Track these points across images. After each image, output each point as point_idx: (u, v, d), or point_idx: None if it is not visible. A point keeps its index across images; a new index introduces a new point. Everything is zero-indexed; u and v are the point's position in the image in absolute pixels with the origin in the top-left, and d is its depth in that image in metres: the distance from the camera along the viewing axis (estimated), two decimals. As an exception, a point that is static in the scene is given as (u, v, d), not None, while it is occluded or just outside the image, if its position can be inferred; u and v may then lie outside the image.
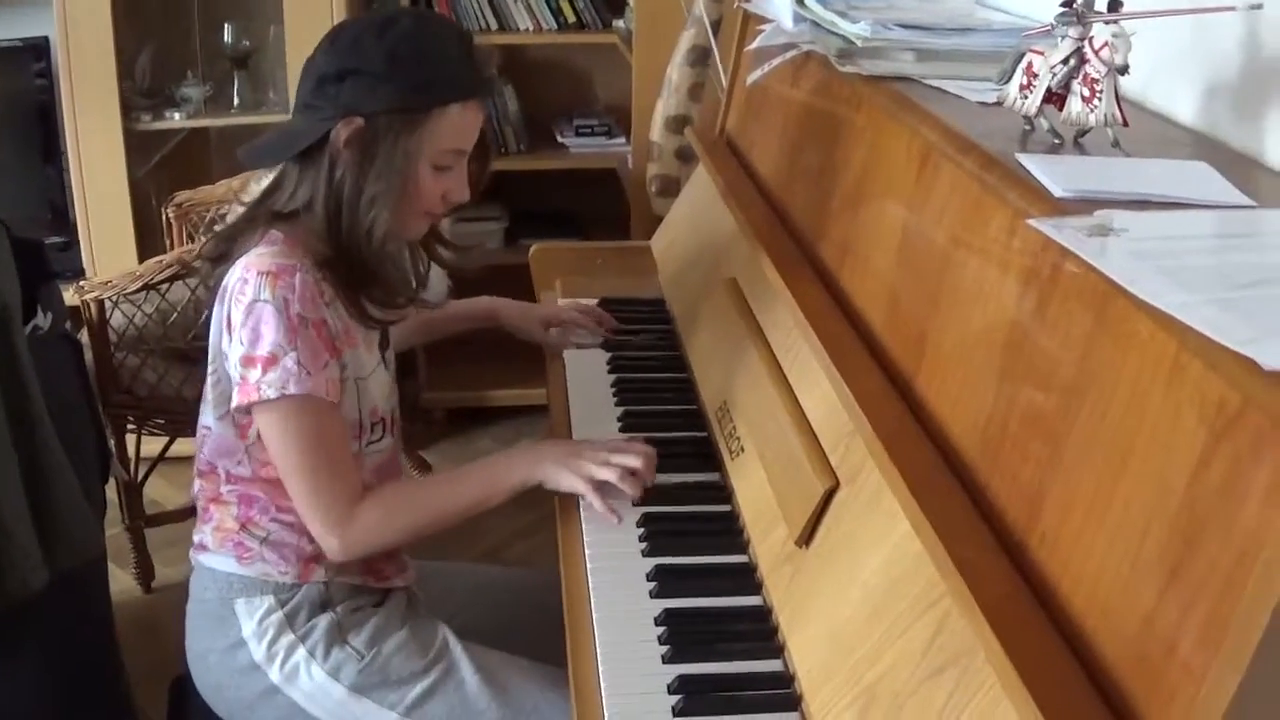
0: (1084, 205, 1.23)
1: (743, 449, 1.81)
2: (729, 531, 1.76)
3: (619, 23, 3.81)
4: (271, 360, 1.68)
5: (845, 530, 1.46)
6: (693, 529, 1.78)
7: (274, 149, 1.81)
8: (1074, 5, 1.42)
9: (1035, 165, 1.33)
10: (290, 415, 1.72)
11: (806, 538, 1.52)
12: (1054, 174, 1.29)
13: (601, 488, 1.78)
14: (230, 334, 1.72)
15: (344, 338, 1.77)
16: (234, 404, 1.73)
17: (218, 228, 1.89)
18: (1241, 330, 0.92)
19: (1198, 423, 0.96)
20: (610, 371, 2.28)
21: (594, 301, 2.53)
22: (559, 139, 4.05)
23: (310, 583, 1.84)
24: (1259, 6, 1.35)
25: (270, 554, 1.83)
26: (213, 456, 1.84)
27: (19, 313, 2.09)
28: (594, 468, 1.78)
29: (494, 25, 3.89)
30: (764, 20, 2.28)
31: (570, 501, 1.83)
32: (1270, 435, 0.88)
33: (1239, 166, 1.45)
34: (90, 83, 3.53)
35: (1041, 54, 1.46)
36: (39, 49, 3.81)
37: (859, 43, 1.89)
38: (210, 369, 1.80)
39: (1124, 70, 1.38)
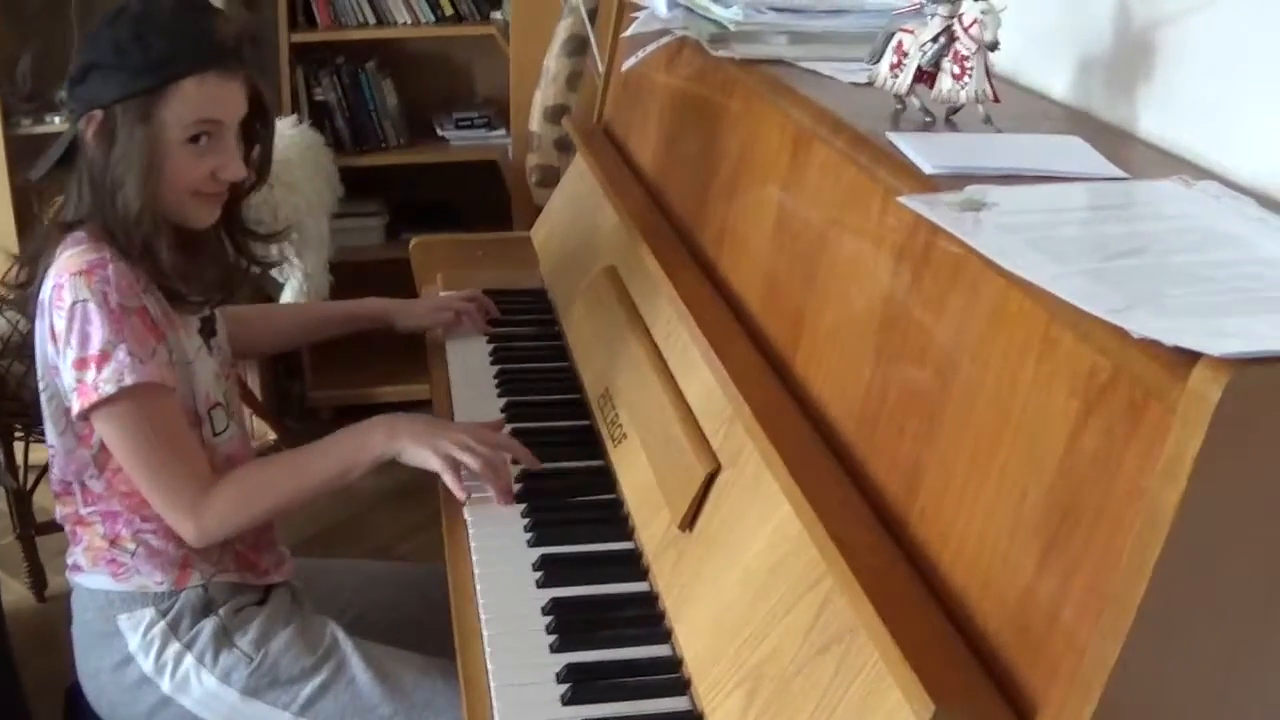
0: (955, 181, 1.22)
1: (625, 436, 1.80)
2: (614, 519, 1.74)
3: (497, 14, 3.79)
4: (104, 357, 1.64)
5: (727, 513, 1.45)
6: (577, 517, 1.77)
7: (43, 159, 1.78)
8: (941, -18, 1.43)
9: (905, 143, 1.33)
10: (129, 407, 1.68)
11: (689, 521, 1.51)
12: (924, 151, 1.30)
13: (458, 468, 1.75)
14: (57, 344, 1.68)
15: (164, 321, 1.73)
16: (75, 411, 1.68)
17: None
18: (1111, 299, 0.92)
19: (1070, 394, 0.97)
20: (493, 363, 2.26)
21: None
22: (439, 132, 4.01)
23: (188, 588, 1.80)
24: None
25: (143, 565, 1.78)
26: (65, 475, 1.79)
27: None
28: (453, 448, 1.76)
29: (371, 19, 3.86)
30: (639, 8, 2.27)
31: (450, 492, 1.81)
32: (1141, 403, 0.89)
33: (1111, 139, 1.46)
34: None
35: (911, 32, 1.47)
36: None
37: (732, 27, 1.88)
38: (42, 386, 1.76)
39: (994, 47, 1.39)
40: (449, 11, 3.87)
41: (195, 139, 1.72)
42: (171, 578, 1.79)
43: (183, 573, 1.80)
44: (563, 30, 3.05)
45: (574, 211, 2.52)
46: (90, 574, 1.81)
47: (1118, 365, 0.91)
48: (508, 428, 1.95)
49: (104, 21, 1.71)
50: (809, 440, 1.36)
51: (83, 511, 1.80)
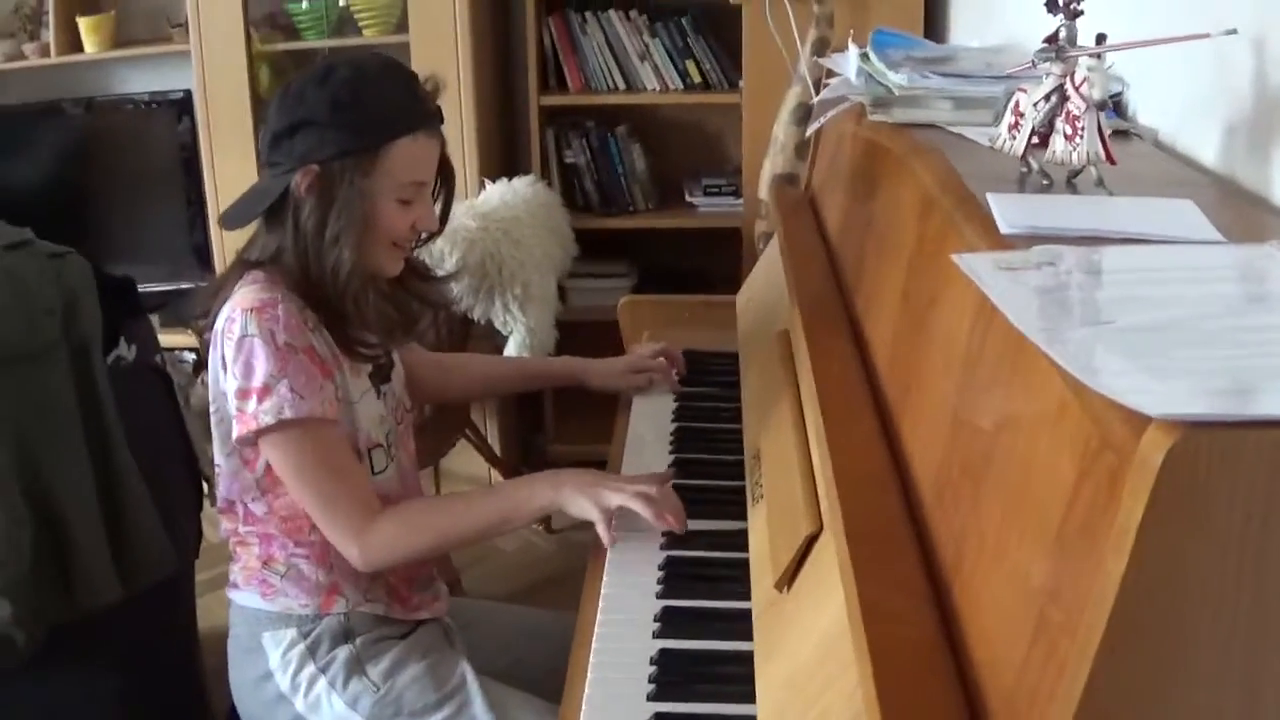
0: (1028, 241, 1.19)
1: (761, 496, 1.79)
2: (743, 578, 1.74)
3: (742, 83, 3.82)
4: (265, 390, 1.74)
5: (819, 575, 1.42)
6: (709, 574, 1.79)
7: (245, 209, 1.90)
8: (1055, 41, 1.39)
9: (996, 204, 1.29)
10: (292, 438, 1.78)
11: (788, 581, 1.49)
12: (1010, 212, 1.26)
13: (611, 519, 1.79)
14: (225, 372, 1.78)
15: (332, 361, 1.82)
16: (234, 436, 1.79)
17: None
18: (1114, 367, 0.88)
19: (1070, 461, 0.92)
20: (674, 420, 2.30)
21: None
22: (688, 197, 4.06)
23: (330, 614, 1.88)
24: (1233, 32, 1.30)
25: (291, 588, 1.88)
26: (229, 494, 1.91)
27: (99, 343, 2.22)
28: (610, 494, 1.80)
29: (621, 85, 3.95)
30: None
31: (601, 545, 1.85)
32: (1117, 471, 0.84)
33: (1241, 205, 1.40)
34: (228, 133, 3.70)
35: (1026, 92, 1.43)
36: (182, 102, 4.00)
37: (897, 92, 1.87)
38: (212, 409, 1.87)
39: (1103, 106, 1.34)
40: (697, 79, 3.93)
41: (404, 197, 1.83)
42: (316, 602, 1.87)
43: (328, 599, 1.88)
44: (791, 99, 3.06)
45: (768, 277, 2.52)
46: (243, 591, 1.91)
47: (1105, 433, 0.86)
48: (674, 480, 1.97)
49: (310, 81, 1.81)
50: (889, 510, 1.33)
51: (242, 530, 1.90)
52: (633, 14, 3.90)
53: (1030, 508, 0.99)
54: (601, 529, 1.79)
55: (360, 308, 1.84)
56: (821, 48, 2.92)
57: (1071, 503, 0.91)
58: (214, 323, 1.84)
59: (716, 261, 3.97)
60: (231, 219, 1.91)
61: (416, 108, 1.84)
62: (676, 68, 3.92)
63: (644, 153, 4.05)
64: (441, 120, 1.90)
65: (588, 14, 3.91)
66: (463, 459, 3.78)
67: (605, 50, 3.92)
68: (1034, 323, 0.96)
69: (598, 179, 4.03)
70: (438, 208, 1.97)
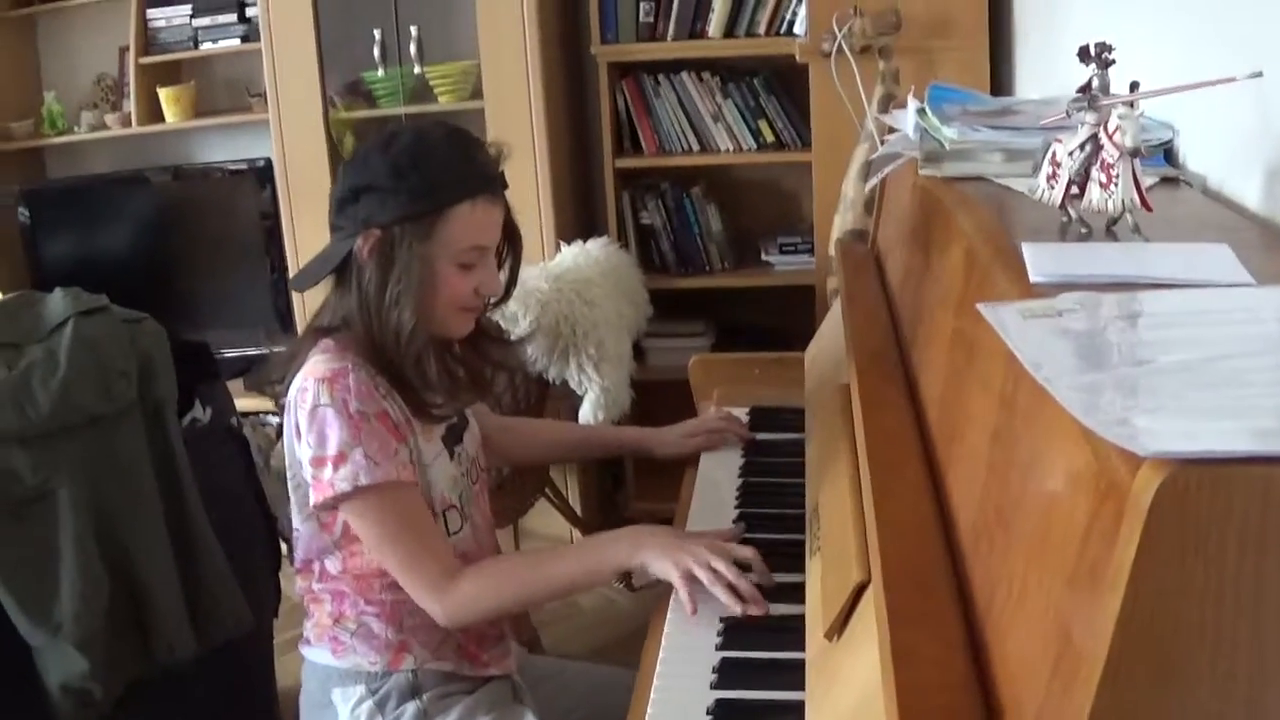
0: (1056, 289, 1.20)
1: (818, 548, 1.80)
2: (802, 629, 1.74)
3: (813, 141, 3.86)
4: (341, 458, 1.78)
5: (866, 623, 1.43)
6: (770, 625, 1.79)
7: (312, 272, 1.95)
8: (1089, 90, 1.40)
9: (1030, 253, 1.30)
10: (370, 504, 1.82)
11: (838, 630, 1.50)
12: (1042, 260, 1.27)
13: (694, 580, 1.79)
14: (299, 440, 1.82)
15: (405, 426, 1.85)
16: (312, 503, 1.83)
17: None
18: (1116, 408, 0.89)
19: (1083, 504, 0.93)
20: (740, 475, 2.31)
21: (745, 410, 2.57)
22: (764, 256, 4.09)
23: (399, 671, 1.91)
24: (1259, 75, 1.31)
25: (360, 645, 1.91)
26: (307, 555, 1.95)
27: (173, 406, 2.30)
28: (693, 564, 1.80)
29: (695, 146, 4.00)
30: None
31: (665, 598, 1.87)
32: (1120, 513, 0.85)
33: (1272, 246, 1.39)
34: (308, 200, 3.79)
35: (1062, 142, 1.44)
36: (263, 170, 4.12)
37: (948, 146, 1.89)
38: (290, 474, 1.92)
39: (1136, 152, 1.35)
40: (770, 139, 3.97)
41: (465, 262, 1.87)
42: (385, 659, 1.91)
43: (396, 656, 1.91)
44: (859, 155, 3.09)
45: (833, 333, 2.54)
46: (315, 647, 1.95)
47: (1109, 473, 0.87)
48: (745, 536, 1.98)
49: (374, 148, 1.87)
50: (929, 557, 1.33)
51: (315, 588, 1.95)
52: (705, 75, 3.96)
53: (1051, 549, 1.00)
54: (684, 594, 1.79)
55: (423, 369, 1.88)
56: (888, 104, 2.94)
57: (1084, 543, 0.92)
58: (288, 390, 1.89)
59: (793, 319, 3.99)
60: (300, 281, 1.97)
61: (476, 173, 1.89)
62: (749, 127, 3.97)
63: (719, 212, 4.09)
64: (505, 186, 1.94)
65: (660, 76, 3.98)
66: (543, 518, 3.82)
67: (679, 111, 3.98)
68: (1045, 366, 0.97)
69: (674, 239, 4.08)
70: (506, 272, 2.01)
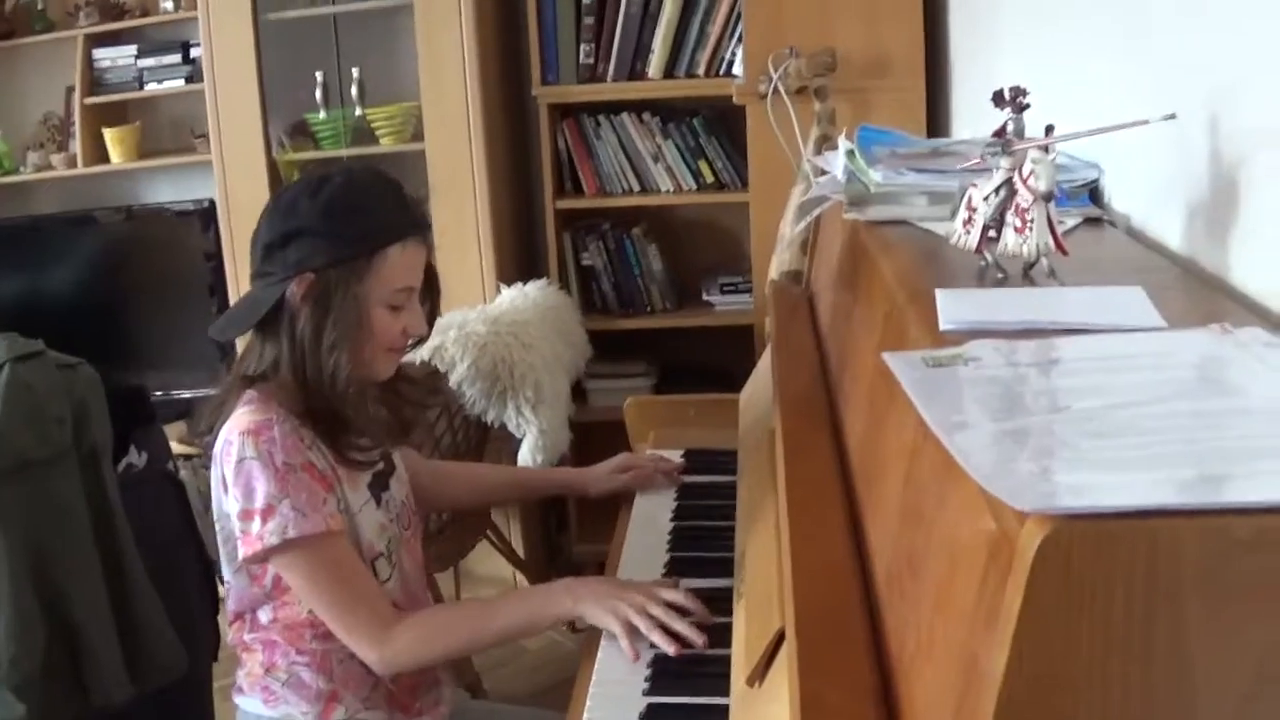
0: (966, 336, 1.20)
1: (743, 593, 1.80)
2: (729, 674, 1.74)
3: (751, 181, 3.86)
4: (269, 510, 1.77)
5: (784, 670, 1.42)
6: (697, 670, 1.78)
7: (239, 319, 1.94)
8: (1003, 134, 1.40)
9: (943, 299, 1.30)
10: (300, 555, 1.81)
11: (759, 677, 1.49)
12: (952, 307, 1.27)
13: (634, 629, 1.79)
14: (226, 494, 1.81)
15: (331, 475, 1.84)
16: (241, 556, 1.81)
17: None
18: (1002, 459, 0.88)
19: (980, 555, 0.93)
20: (673, 519, 2.31)
21: (679, 452, 2.56)
22: (705, 296, 4.10)
23: (329, 721, 1.89)
24: (1172, 117, 1.32)
25: (291, 695, 1.90)
26: (239, 606, 1.94)
27: (109, 451, 2.30)
28: (631, 612, 1.79)
29: (636, 187, 4.00)
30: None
31: (594, 642, 1.86)
32: (1006, 568, 0.84)
33: (1194, 288, 1.40)
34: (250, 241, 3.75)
35: (977, 186, 1.44)
36: (207, 211, 4.11)
37: (873, 188, 1.89)
38: (218, 527, 1.90)
39: (1049, 197, 1.35)
40: (710, 179, 3.98)
41: (395, 304, 1.87)
42: (316, 709, 1.89)
43: (328, 706, 1.90)
44: (795, 196, 3.09)
45: (766, 376, 2.53)
46: (248, 696, 1.94)
47: (1003, 525, 0.87)
48: (683, 585, 1.96)
49: (302, 193, 1.86)
50: (845, 603, 1.33)
51: (247, 638, 1.93)
52: (645, 116, 3.97)
53: (954, 598, 0.99)
54: (625, 644, 1.79)
55: (359, 412, 1.88)
56: (823, 145, 2.95)
57: (980, 593, 0.91)
58: (213, 443, 1.87)
59: (736, 358, 3.98)
60: (224, 330, 1.95)
61: (406, 217, 1.90)
62: (689, 168, 3.98)
63: (660, 253, 4.10)
64: (428, 228, 1.94)
65: (601, 117, 3.98)
66: (486, 561, 3.80)
67: (619, 152, 3.99)
68: (941, 416, 0.97)
69: (615, 280, 4.08)
70: (426, 312, 2.01)
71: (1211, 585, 0.77)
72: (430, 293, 2.02)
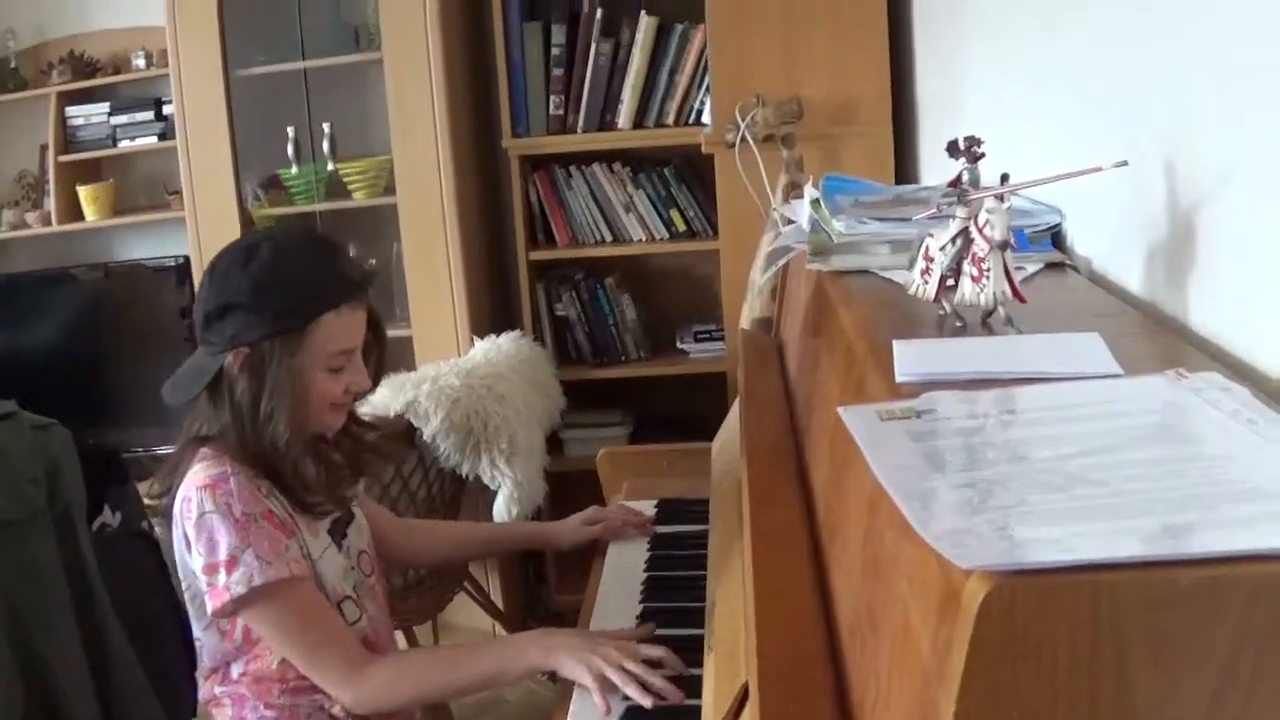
0: (921, 388, 1.20)
1: (712, 645, 1.79)
2: (700, 725, 1.73)
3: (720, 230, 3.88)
4: (232, 562, 1.77)
5: (751, 727, 1.42)
6: (669, 721, 1.77)
7: (184, 385, 1.94)
8: (959, 183, 1.41)
9: (900, 350, 1.30)
10: (268, 603, 1.82)
11: (725, 731, 1.49)
12: (909, 359, 1.27)
13: (607, 683, 1.79)
14: (190, 551, 1.81)
15: (290, 522, 1.85)
16: (210, 610, 1.81)
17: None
18: (950, 515, 0.89)
19: (932, 609, 0.93)
20: (646, 569, 2.30)
21: (653, 503, 2.57)
22: (679, 344, 4.10)
23: (298, 776, 1.88)
24: (1124, 164, 1.33)
25: None
26: (212, 661, 1.95)
27: (83, 512, 2.30)
28: (603, 664, 1.80)
29: (608, 237, 4.01)
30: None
31: (568, 694, 1.85)
32: (954, 623, 0.84)
33: (1153, 333, 1.41)
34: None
35: (934, 236, 1.45)
36: (182, 267, 4.11)
37: (835, 238, 1.90)
38: (185, 585, 1.90)
39: (1005, 245, 1.36)
40: (682, 228, 3.99)
41: (334, 366, 1.86)
42: None
43: (295, 760, 1.88)
44: (765, 244, 3.10)
45: (737, 425, 2.54)
46: None
47: (949, 581, 0.87)
48: (655, 631, 1.98)
49: (233, 262, 1.87)
50: (809, 655, 1.33)
51: (217, 691, 1.94)
52: (616, 166, 3.99)
53: (908, 652, 0.99)
54: (596, 697, 1.79)
55: (300, 472, 1.90)
56: (791, 193, 2.97)
57: (931, 648, 0.91)
58: (171, 503, 1.87)
59: (710, 405, 3.97)
60: (173, 394, 1.96)
61: (337, 282, 1.90)
62: (661, 217, 3.99)
63: (634, 302, 4.11)
64: (367, 287, 1.95)
65: (572, 168, 4.00)
66: (464, 612, 3.78)
67: (591, 203, 4.00)
68: (890, 470, 0.97)
69: (589, 330, 4.08)
70: (372, 365, 2.02)
71: (1155, 636, 0.77)
72: (376, 345, 2.02)
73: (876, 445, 1.04)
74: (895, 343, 1.35)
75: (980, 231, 1.37)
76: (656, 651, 1.83)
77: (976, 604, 0.77)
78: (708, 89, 3.68)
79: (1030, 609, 0.77)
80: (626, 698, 1.79)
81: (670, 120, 3.93)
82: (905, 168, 3.38)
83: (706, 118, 3.75)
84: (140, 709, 2.32)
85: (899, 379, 1.24)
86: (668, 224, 4.00)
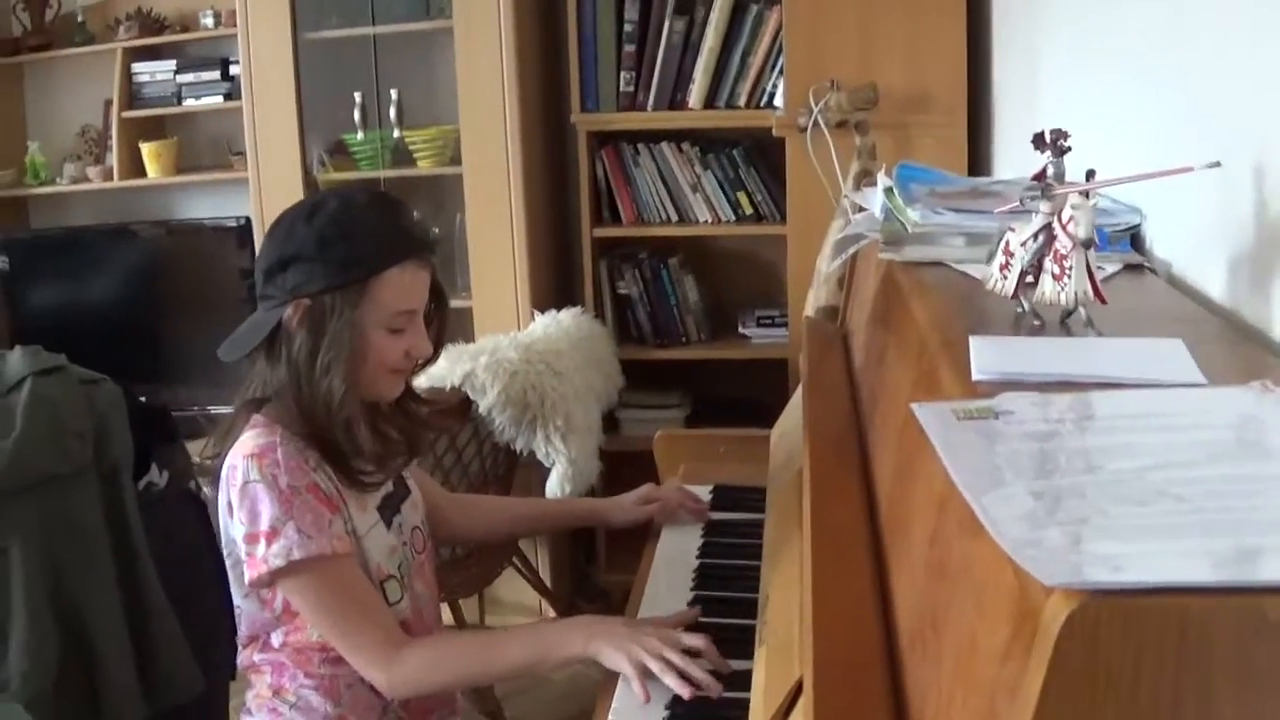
0: (999, 387, 1.16)
1: (764, 638, 1.76)
2: (745, 717, 1.70)
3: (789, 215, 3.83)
4: (273, 533, 1.76)
5: (805, 723, 1.39)
6: (716, 714, 1.74)
7: (241, 342, 1.93)
8: (1044, 178, 1.37)
9: (977, 348, 1.26)
10: (306, 578, 1.80)
11: (780, 726, 1.46)
12: (987, 357, 1.23)
13: (647, 672, 1.75)
14: (232, 519, 1.80)
15: (337, 497, 1.83)
16: (247, 580, 1.80)
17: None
18: (1035, 527, 0.85)
19: (1004, 623, 0.89)
20: (699, 556, 2.27)
21: (708, 488, 2.53)
22: (741, 329, 4.06)
23: (337, 747, 1.87)
24: (1217, 165, 1.28)
25: (298, 718, 1.89)
26: (250, 629, 1.93)
27: (129, 468, 2.29)
28: (646, 655, 1.76)
29: (674, 217, 3.98)
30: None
31: (610, 684, 1.82)
32: (1030, 641, 0.81)
33: (1236, 342, 1.36)
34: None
35: (1015, 231, 1.41)
36: (244, 228, 4.11)
37: (910, 228, 1.85)
38: (226, 552, 1.89)
39: (1089, 244, 1.31)
40: (749, 211, 3.95)
41: (395, 326, 1.84)
42: None
43: (334, 729, 1.87)
44: (834, 231, 3.05)
45: (798, 414, 2.50)
46: (255, 718, 1.92)
47: (1027, 595, 0.83)
48: (702, 619, 1.95)
49: (299, 217, 1.85)
50: (865, 655, 1.29)
51: (256, 659, 1.93)
52: (685, 146, 3.95)
53: (975, 664, 0.95)
54: (636, 686, 1.75)
55: (354, 436, 1.87)
56: (863, 180, 2.92)
57: (1003, 664, 0.87)
58: (220, 467, 1.86)
59: (771, 392, 3.95)
60: (229, 351, 1.94)
61: (402, 239, 1.88)
62: (728, 199, 3.95)
63: (697, 284, 4.07)
64: (432, 249, 1.93)
65: (640, 146, 3.96)
66: (512, 587, 3.76)
67: (658, 182, 3.97)
68: (969, 473, 0.93)
69: (651, 310, 4.05)
70: (433, 333, 2.00)
71: (1243, 668, 0.73)
72: (438, 312, 1.99)
73: (952, 445, 1.00)
74: (972, 339, 1.31)
75: (1064, 228, 1.33)
76: (698, 641, 1.79)
77: (1058, 624, 0.73)
78: (781, 71, 3.64)
79: (1114, 631, 0.73)
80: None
81: (741, 102, 3.88)
82: (979, 160, 3.33)
83: (779, 100, 3.69)
84: (178, 669, 2.32)
85: (975, 377, 1.20)
86: (734, 206, 3.95)
